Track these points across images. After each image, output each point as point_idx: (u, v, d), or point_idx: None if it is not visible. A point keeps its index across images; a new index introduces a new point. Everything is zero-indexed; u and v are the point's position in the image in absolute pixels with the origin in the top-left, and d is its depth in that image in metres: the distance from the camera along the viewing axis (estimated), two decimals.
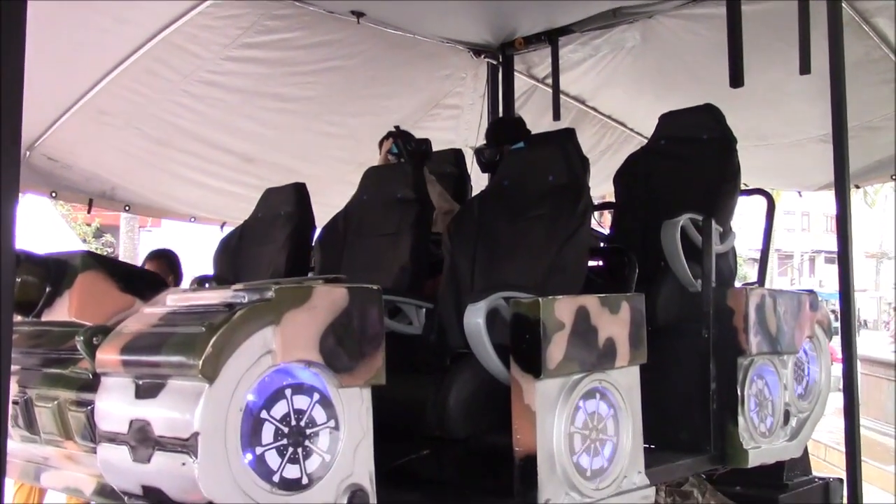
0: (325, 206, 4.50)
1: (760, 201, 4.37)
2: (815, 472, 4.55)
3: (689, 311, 3.52)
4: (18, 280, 2.70)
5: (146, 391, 1.99)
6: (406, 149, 4.43)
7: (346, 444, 2.12)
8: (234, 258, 4.23)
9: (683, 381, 3.51)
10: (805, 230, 43.31)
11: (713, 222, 3.53)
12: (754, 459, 3.49)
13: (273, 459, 1.99)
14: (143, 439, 1.98)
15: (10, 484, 4.10)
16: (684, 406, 3.50)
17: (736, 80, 3.81)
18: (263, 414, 1.99)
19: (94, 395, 2.15)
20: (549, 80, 5.64)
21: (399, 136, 4.50)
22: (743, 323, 3.47)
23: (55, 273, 2.72)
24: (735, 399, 3.45)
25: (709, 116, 3.96)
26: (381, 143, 4.56)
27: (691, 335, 3.50)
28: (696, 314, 3.49)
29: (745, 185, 4.28)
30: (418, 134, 4.81)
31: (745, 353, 3.47)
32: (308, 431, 2.06)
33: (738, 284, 3.88)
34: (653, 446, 3.20)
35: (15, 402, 2.46)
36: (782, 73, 4.62)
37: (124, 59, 4.61)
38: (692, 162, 3.86)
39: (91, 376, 2.24)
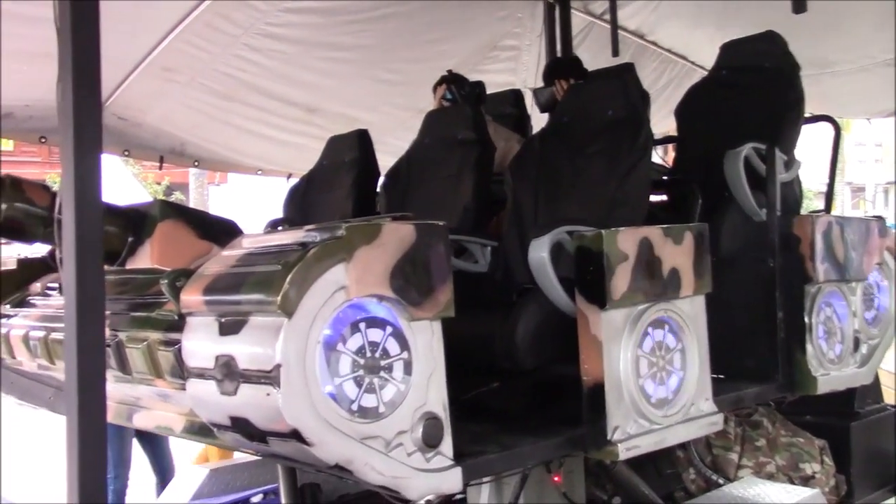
0: (388, 154, 4.57)
1: (828, 131, 4.31)
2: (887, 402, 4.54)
3: (755, 240, 3.51)
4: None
5: (229, 328, 2.10)
6: (460, 93, 4.45)
7: (420, 374, 2.19)
8: (302, 205, 4.35)
9: (750, 310, 3.51)
10: (878, 161, 41.94)
11: (777, 151, 3.50)
12: (823, 386, 3.49)
13: (351, 389, 2.08)
14: (228, 373, 2.08)
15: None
16: (751, 335, 3.51)
17: (799, 5, 3.75)
18: (340, 346, 2.07)
19: (181, 334, 2.26)
20: (607, 16, 5.58)
21: (452, 81, 4.52)
22: (809, 251, 3.45)
23: (136, 223, 2.85)
24: (803, 327, 3.45)
25: (771, 44, 3.90)
26: (434, 89, 4.59)
27: (757, 264, 3.49)
28: (761, 243, 3.48)
29: (810, 113, 4.22)
30: (476, 77, 4.82)
31: (812, 280, 3.45)
32: (382, 363, 2.14)
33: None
34: (721, 376, 3.23)
35: (107, 345, 2.60)
36: None
37: (186, 16, 4.69)
38: (754, 91, 3.81)
39: (176, 317, 2.35)
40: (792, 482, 3.90)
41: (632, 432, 2.69)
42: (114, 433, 4.30)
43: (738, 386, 3.35)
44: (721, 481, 3.79)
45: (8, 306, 3.34)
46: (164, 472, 5.30)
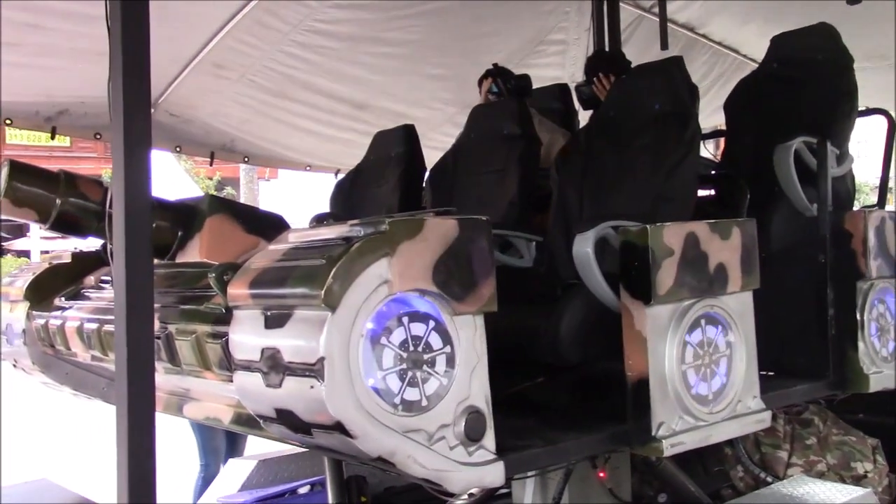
0: (435, 150, 4.59)
1: (883, 124, 4.22)
2: None
3: (805, 236, 3.45)
4: (153, 225, 2.89)
5: (274, 321, 2.12)
6: (506, 86, 4.44)
7: (462, 368, 2.20)
8: (348, 200, 4.38)
9: (800, 307, 3.46)
10: None
11: (829, 144, 3.44)
12: (875, 384, 3.43)
13: (394, 382, 2.09)
14: (274, 366, 2.11)
15: None
16: (802, 332, 3.46)
17: None
18: (383, 340, 2.08)
19: (228, 327, 2.30)
20: (656, 9, 5.52)
21: (498, 75, 4.52)
22: (862, 246, 3.39)
23: (185, 217, 2.90)
24: (854, 324, 3.38)
25: (823, 36, 3.82)
26: (480, 83, 4.59)
27: (807, 260, 3.44)
28: (811, 239, 3.42)
29: (864, 107, 4.14)
30: (523, 72, 4.81)
31: (864, 276, 3.39)
32: (425, 356, 2.14)
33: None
34: (771, 373, 3.19)
35: (157, 337, 2.66)
36: None
37: (236, 13, 4.76)
38: (806, 84, 3.74)
39: (224, 310, 2.39)
40: (843, 481, 3.83)
41: (677, 429, 2.66)
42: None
43: (788, 383, 3.31)
44: (770, 479, 3.74)
45: (63, 299, 3.43)
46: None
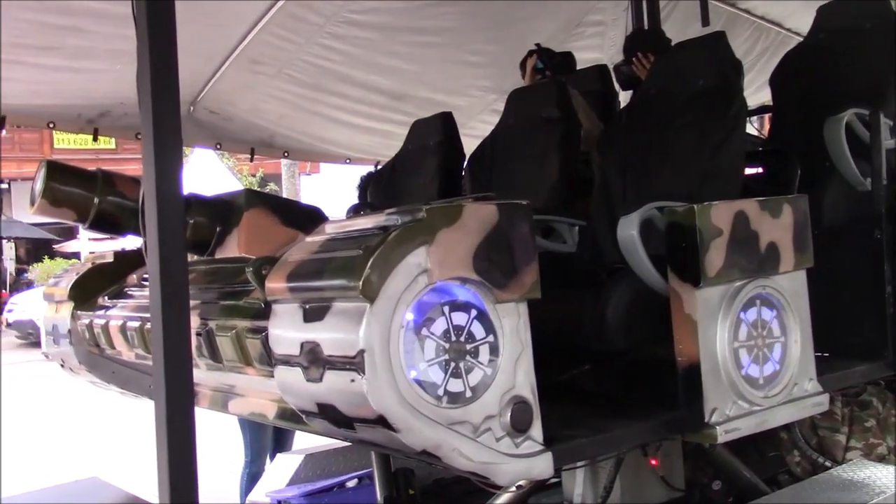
0: (475, 138, 4.53)
1: None
2: None
3: (859, 211, 3.34)
4: (191, 222, 2.89)
5: (313, 314, 2.09)
6: (552, 63, 4.38)
7: (507, 357, 2.15)
8: (387, 190, 4.35)
9: (856, 284, 3.35)
10: None
11: (881, 116, 3.31)
12: None
13: (436, 374, 2.04)
14: (314, 360, 2.08)
15: None
16: (858, 311, 3.35)
17: None
18: (424, 331, 2.03)
19: (267, 322, 2.27)
20: None
21: (542, 53, 4.46)
22: None
23: (223, 213, 2.88)
24: None
25: (872, 3, 3.70)
26: (522, 65, 4.53)
27: (862, 237, 3.32)
28: (866, 214, 3.31)
29: None
30: None
31: None
32: (468, 346, 2.10)
33: None
34: (826, 354, 3.09)
35: (198, 334, 2.64)
36: None
37: (270, 7, 4.75)
38: (855, 54, 3.61)
39: (263, 305, 2.37)
40: None
41: (731, 414, 2.58)
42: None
43: (845, 364, 3.20)
44: (828, 464, 3.63)
45: (106, 298, 3.44)
46: None
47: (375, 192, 4.43)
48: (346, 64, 5.40)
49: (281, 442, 5.22)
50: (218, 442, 5.35)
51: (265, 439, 5.11)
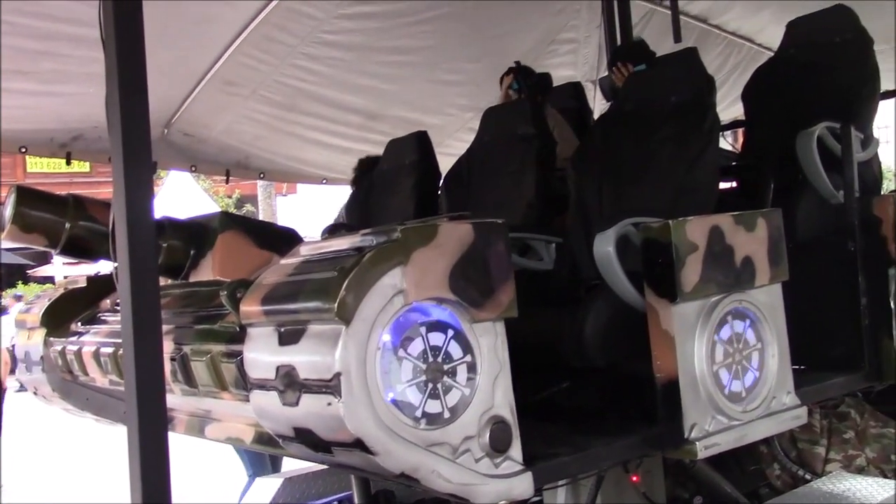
0: (452, 157, 4.53)
1: None
2: None
3: (833, 224, 3.36)
4: (164, 245, 2.85)
5: (288, 337, 2.07)
6: (527, 83, 4.40)
7: (485, 377, 2.13)
8: (363, 210, 4.34)
9: (831, 297, 3.36)
10: None
11: (852, 129, 3.34)
12: None
13: (414, 395, 2.03)
14: (289, 383, 2.05)
15: None
16: (834, 323, 3.36)
17: None
18: (401, 352, 2.02)
19: (242, 345, 2.24)
20: (668, 2, 5.44)
21: (519, 72, 4.48)
22: (892, 232, 3.28)
23: (197, 236, 2.85)
24: (888, 312, 3.28)
25: (841, 18, 3.73)
26: (501, 81, 4.55)
27: (836, 249, 3.34)
28: (839, 227, 3.33)
29: (886, 90, 4.04)
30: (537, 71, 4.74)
31: None
32: (445, 367, 2.08)
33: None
34: (803, 367, 3.09)
35: (173, 359, 2.61)
36: None
37: (243, 29, 4.74)
38: (825, 68, 3.65)
39: (238, 329, 2.34)
40: (884, 475, 3.72)
41: (710, 429, 2.58)
42: None
43: (822, 377, 3.21)
44: (808, 476, 3.64)
45: (79, 324, 3.39)
46: None
47: (353, 211, 4.42)
48: (321, 84, 5.40)
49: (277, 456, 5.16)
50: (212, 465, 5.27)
51: (264, 455, 5.04)
